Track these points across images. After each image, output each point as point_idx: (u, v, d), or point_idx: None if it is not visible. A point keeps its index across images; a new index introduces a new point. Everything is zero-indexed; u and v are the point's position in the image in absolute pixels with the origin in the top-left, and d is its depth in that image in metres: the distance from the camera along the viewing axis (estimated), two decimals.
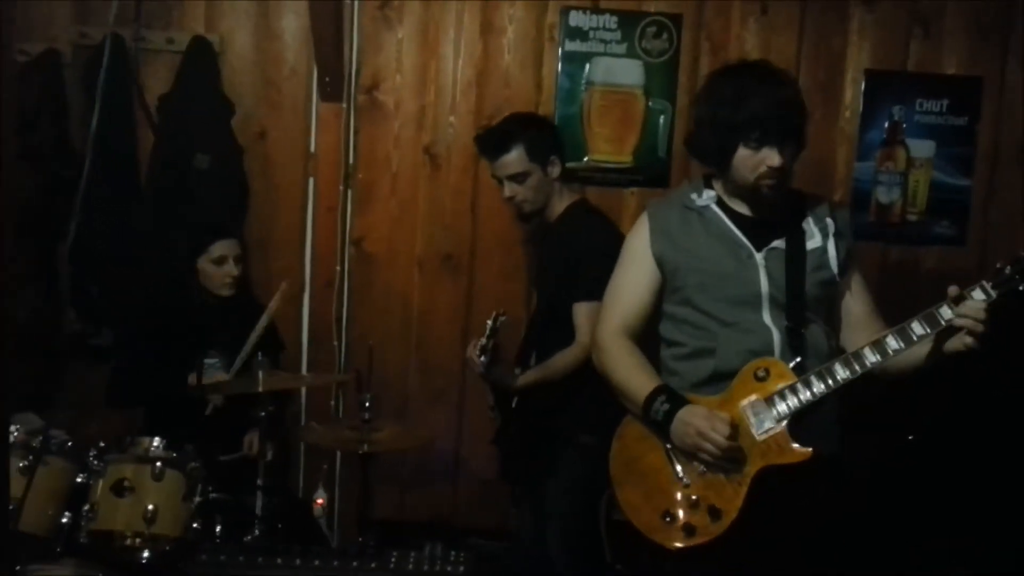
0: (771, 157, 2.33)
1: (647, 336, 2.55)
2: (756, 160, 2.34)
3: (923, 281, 3.89)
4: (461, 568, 2.07)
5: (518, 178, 3.18)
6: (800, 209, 2.48)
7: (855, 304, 2.51)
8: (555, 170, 3.21)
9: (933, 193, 3.85)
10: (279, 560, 2.33)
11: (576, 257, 3.06)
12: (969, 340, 2.22)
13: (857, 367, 2.29)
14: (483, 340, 3.09)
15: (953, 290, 2.27)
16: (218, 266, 3.46)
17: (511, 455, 3.32)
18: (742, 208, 2.46)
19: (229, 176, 3.88)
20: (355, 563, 2.05)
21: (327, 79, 3.85)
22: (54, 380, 3.90)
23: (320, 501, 3.63)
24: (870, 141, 3.84)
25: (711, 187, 2.51)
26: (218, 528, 2.68)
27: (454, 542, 3.15)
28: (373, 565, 2.06)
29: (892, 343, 2.28)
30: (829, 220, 2.47)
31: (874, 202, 3.86)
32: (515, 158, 3.17)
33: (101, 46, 3.72)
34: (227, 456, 3.24)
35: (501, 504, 3.80)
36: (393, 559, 2.07)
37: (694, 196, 2.49)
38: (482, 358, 3.08)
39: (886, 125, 3.83)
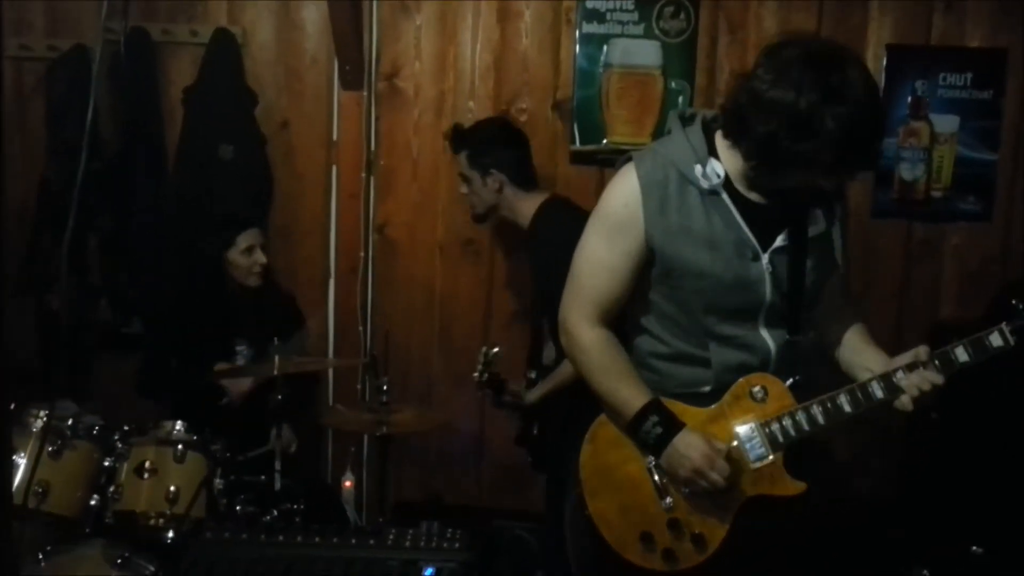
0: (827, 184, 2.03)
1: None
2: (809, 183, 2.02)
3: (949, 258, 3.84)
4: (456, 545, 2.11)
5: (464, 179, 3.38)
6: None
7: (829, 288, 2.23)
8: (495, 184, 3.29)
9: (958, 168, 3.79)
10: (299, 538, 2.36)
11: (555, 258, 3.05)
12: (906, 402, 2.08)
13: (863, 401, 2.09)
14: (476, 376, 3.23)
15: (921, 352, 2.09)
16: (247, 256, 3.53)
17: (539, 449, 3.38)
18: (749, 191, 2.11)
19: (253, 166, 3.95)
20: (354, 540, 2.10)
21: (347, 68, 3.90)
22: (88, 369, 4.00)
23: (348, 483, 3.70)
24: (893, 117, 3.76)
25: (715, 154, 2.10)
26: (238, 508, 2.75)
27: (477, 524, 3.22)
28: (372, 542, 2.10)
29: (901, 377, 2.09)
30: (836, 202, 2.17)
31: (897, 179, 3.82)
32: (461, 161, 3.38)
33: (127, 41, 3.81)
34: (253, 452, 3.28)
35: (526, 486, 3.83)
36: (391, 536, 2.12)
37: (697, 169, 2.07)
38: (480, 392, 3.23)
39: (909, 100, 3.77)
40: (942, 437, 3.32)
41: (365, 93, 3.94)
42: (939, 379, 2.06)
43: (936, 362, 2.08)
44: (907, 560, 3.17)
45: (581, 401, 2.98)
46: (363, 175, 3.98)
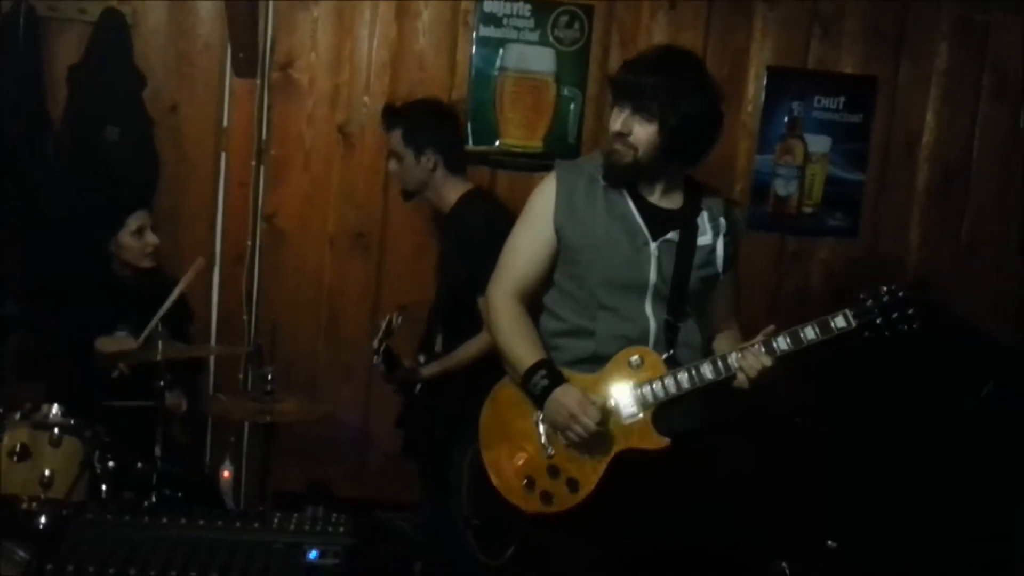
0: (613, 119, 2.42)
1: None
2: (613, 119, 2.43)
3: (817, 271, 4.08)
4: (340, 529, 2.14)
5: (396, 156, 3.35)
6: (697, 203, 2.51)
7: (720, 300, 2.60)
8: (429, 163, 3.28)
9: (828, 187, 4.03)
10: (182, 520, 2.33)
11: (472, 250, 3.13)
12: (742, 380, 2.38)
13: (722, 370, 2.40)
14: (376, 341, 3.15)
15: (769, 329, 2.39)
16: (138, 238, 3.45)
17: (414, 433, 3.41)
18: (648, 192, 2.47)
19: (140, 149, 3.87)
20: (238, 523, 2.11)
21: (241, 55, 3.86)
22: None
23: (227, 473, 3.66)
24: (770, 135, 4.00)
25: None
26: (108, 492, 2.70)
27: (358, 515, 3.24)
28: (256, 525, 2.11)
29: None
30: (722, 219, 2.52)
31: (772, 194, 4.02)
32: (394, 137, 3.33)
33: (11, 14, 3.69)
34: (135, 403, 3.17)
35: (408, 478, 3.86)
36: (276, 520, 2.13)
37: (603, 169, 2.46)
38: (376, 358, 3.15)
39: (786, 120, 3.99)
40: (803, 439, 3.52)
41: (258, 81, 3.92)
42: (768, 361, 2.35)
43: (787, 337, 2.37)
44: (766, 554, 3.35)
45: (473, 399, 3.06)
46: (253, 163, 3.95)
